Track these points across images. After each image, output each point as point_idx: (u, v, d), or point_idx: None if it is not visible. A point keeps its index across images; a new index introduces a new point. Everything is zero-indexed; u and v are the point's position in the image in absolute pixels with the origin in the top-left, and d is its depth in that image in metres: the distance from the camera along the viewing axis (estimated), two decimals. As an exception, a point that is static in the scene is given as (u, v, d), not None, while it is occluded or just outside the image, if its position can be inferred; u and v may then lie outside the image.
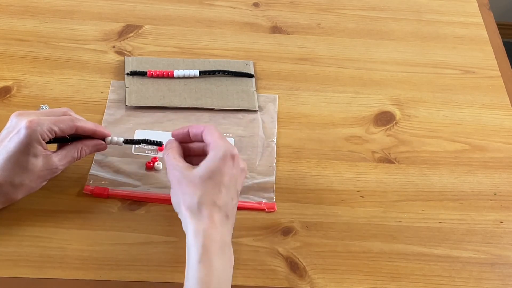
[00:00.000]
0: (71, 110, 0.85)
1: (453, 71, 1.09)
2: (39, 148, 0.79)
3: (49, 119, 0.80)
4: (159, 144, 0.89)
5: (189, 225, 0.75)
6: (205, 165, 0.78)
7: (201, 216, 0.76)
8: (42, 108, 0.84)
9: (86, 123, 0.84)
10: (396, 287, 0.82)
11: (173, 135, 0.84)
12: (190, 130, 0.83)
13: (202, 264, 0.72)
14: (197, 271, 0.72)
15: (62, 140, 0.84)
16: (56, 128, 0.80)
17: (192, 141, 0.84)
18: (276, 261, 0.82)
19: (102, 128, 0.86)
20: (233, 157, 0.79)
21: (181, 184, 0.78)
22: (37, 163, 0.79)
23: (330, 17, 1.17)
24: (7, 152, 0.78)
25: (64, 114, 0.83)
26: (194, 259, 0.73)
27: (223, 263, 0.74)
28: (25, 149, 0.78)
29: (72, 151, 0.83)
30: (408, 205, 0.90)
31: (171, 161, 0.80)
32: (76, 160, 0.84)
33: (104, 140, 0.86)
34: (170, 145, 0.83)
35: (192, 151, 0.84)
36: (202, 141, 0.82)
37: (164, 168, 0.89)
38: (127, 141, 0.88)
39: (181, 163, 0.80)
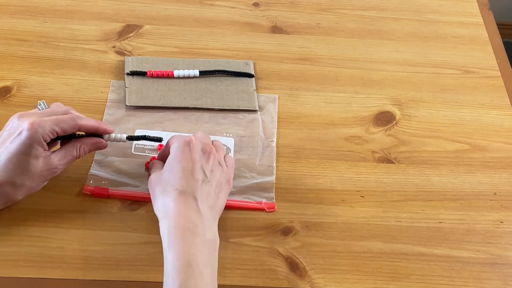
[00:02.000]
0: (73, 108, 0.85)
1: (453, 71, 1.09)
2: (40, 149, 0.79)
3: (51, 120, 0.80)
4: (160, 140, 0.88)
5: (160, 220, 0.78)
6: (166, 160, 0.82)
7: (165, 205, 0.78)
8: (40, 104, 0.84)
9: (88, 121, 0.84)
10: (396, 287, 0.82)
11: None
12: (158, 157, 0.87)
13: (170, 250, 0.74)
14: (168, 258, 0.73)
15: (63, 138, 0.84)
16: (57, 129, 0.80)
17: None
18: (276, 261, 0.82)
19: (105, 125, 0.86)
20: (188, 143, 0.81)
21: (151, 188, 0.82)
22: (38, 164, 0.79)
23: (330, 17, 1.17)
24: (9, 153, 0.78)
25: (65, 113, 0.83)
26: (164, 248, 0.75)
27: (195, 244, 0.74)
28: (27, 151, 0.78)
29: (71, 150, 0.83)
30: (408, 205, 0.90)
31: (150, 178, 0.84)
32: (76, 158, 0.84)
33: (102, 137, 0.86)
34: (155, 163, 0.85)
35: None
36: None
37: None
38: (131, 138, 0.87)
39: (156, 171, 0.83)
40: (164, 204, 0.78)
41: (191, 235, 0.75)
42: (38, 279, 0.78)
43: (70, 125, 0.82)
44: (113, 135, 0.86)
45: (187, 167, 0.80)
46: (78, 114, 0.85)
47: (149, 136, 0.88)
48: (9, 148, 0.78)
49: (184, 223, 0.75)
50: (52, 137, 0.80)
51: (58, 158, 0.82)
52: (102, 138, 0.86)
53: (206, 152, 0.82)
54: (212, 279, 0.74)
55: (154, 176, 0.82)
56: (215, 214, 0.80)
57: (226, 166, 0.85)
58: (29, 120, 0.79)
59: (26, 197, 0.83)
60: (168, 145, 0.84)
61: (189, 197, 0.78)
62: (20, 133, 0.78)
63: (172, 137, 0.85)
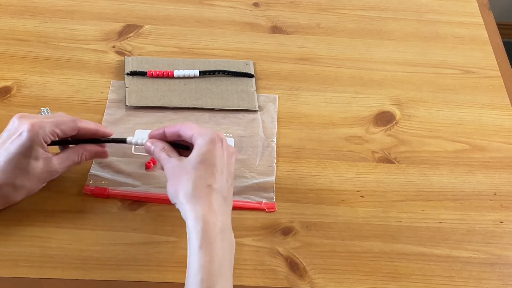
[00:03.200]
0: (79, 119, 0.84)
1: (453, 71, 1.09)
2: (41, 151, 0.79)
3: (51, 121, 0.80)
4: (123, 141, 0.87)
5: (188, 212, 0.75)
6: (195, 151, 0.79)
7: (198, 200, 0.75)
8: (43, 111, 0.84)
9: (88, 124, 0.84)
10: (396, 287, 0.82)
11: (150, 136, 0.84)
12: (165, 130, 0.83)
13: (202, 250, 0.72)
14: (198, 257, 0.72)
15: (63, 142, 0.84)
16: (58, 130, 0.80)
17: (168, 141, 0.84)
18: (276, 261, 0.82)
19: (104, 128, 0.86)
20: (221, 140, 0.80)
21: (175, 174, 0.79)
22: (38, 165, 0.79)
23: (330, 17, 1.17)
24: (9, 154, 0.78)
25: (65, 118, 0.83)
26: (195, 245, 0.73)
27: (224, 247, 0.74)
28: (27, 152, 0.78)
29: (72, 155, 0.83)
30: (408, 205, 0.90)
31: (165, 158, 0.81)
32: (76, 164, 0.84)
33: (125, 141, 0.85)
34: (161, 145, 0.83)
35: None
36: (178, 139, 0.83)
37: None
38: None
39: (174, 156, 0.81)
40: (195, 195, 0.76)
41: (223, 238, 0.74)
42: (37, 279, 0.78)
43: (70, 127, 0.82)
44: (133, 139, 0.85)
45: (221, 167, 0.78)
46: (77, 118, 0.84)
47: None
48: (9, 149, 0.78)
49: (218, 223, 0.74)
50: (53, 138, 0.80)
51: (58, 161, 0.82)
52: (125, 142, 0.85)
53: (234, 154, 0.82)
54: (231, 283, 0.74)
55: (175, 161, 0.80)
56: (231, 214, 0.80)
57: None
58: (29, 121, 0.79)
59: (26, 197, 0.83)
60: (175, 133, 0.82)
61: (220, 196, 0.77)
62: (21, 134, 0.78)
63: (187, 125, 0.82)
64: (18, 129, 0.79)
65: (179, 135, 0.82)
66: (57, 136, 0.81)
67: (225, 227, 0.75)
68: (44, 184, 0.83)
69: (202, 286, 0.70)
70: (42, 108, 0.85)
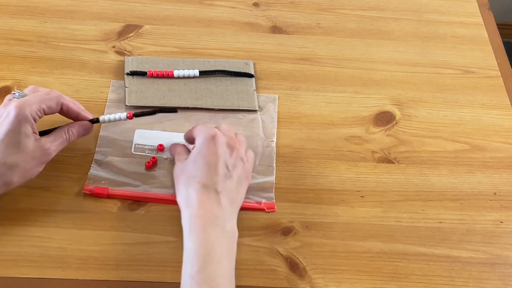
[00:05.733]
0: (53, 90, 0.86)
1: (453, 71, 1.09)
2: (30, 128, 0.80)
3: (37, 99, 0.82)
4: (174, 110, 0.89)
5: (181, 209, 0.80)
6: (191, 152, 0.84)
7: (188, 196, 0.80)
8: (15, 94, 0.85)
9: (70, 103, 0.86)
10: (396, 287, 0.82)
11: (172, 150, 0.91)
12: (184, 137, 0.89)
13: (190, 239, 0.76)
14: (186, 245, 0.76)
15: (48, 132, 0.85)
16: (44, 106, 0.82)
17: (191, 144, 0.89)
18: (276, 261, 0.82)
19: (84, 113, 0.87)
20: (212, 137, 0.83)
21: (176, 177, 0.84)
22: (29, 143, 0.80)
23: (330, 17, 1.17)
24: None
25: (48, 94, 0.85)
26: (185, 237, 0.77)
27: (215, 237, 0.76)
28: (16, 129, 0.79)
29: (60, 132, 0.85)
30: (408, 205, 0.90)
31: (176, 160, 0.87)
32: (67, 141, 0.85)
33: (98, 120, 0.88)
34: (180, 149, 0.88)
35: None
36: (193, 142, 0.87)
37: (163, 168, 0.90)
38: (137, 114, 0.89)
39: (182, 160, 0.86)
40: (187, 195, 0.80)
41: (212, 226, 0.77)
42: (37, 279, 0.78)
43: (54, 102, 0.84)
44: (104, 117, 0.88)
45: (211, 161, 0.82)
46: (64, 96, 0.87)
47: (164, 108, 0.88)
48: None
49: (205, 214, 0.78)
50: (40, 115, 0.82)
51: (49, 140, 0.83)
52: (98, 121, 0.88)
53: (229, 147, 0.84)
54: (230, 269, 0.76)
55: (179, 165, 0.85)
56: (234, 208, 0.82)
57: (247, 161, 0.87)
58: (15, 102, 0.81)
59: (26, 197, 0.83)
60: (192, 133, 0.87)
61: (211, 190, 0.80)
62: (8, 114, 0.80)
63: (197, 127, 0.87)
64: (5, 111, 0.81)
65: (193, 140, 0.87)
66: (44, 112, 0.82)
67: (216, 217, 0.78)
68: (40, 168, 0.83)
69: (192, 269, 0.74)
70: (13, 92, 0.86)
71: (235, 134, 0.88)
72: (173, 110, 0.88)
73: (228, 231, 0.78)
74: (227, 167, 0.82)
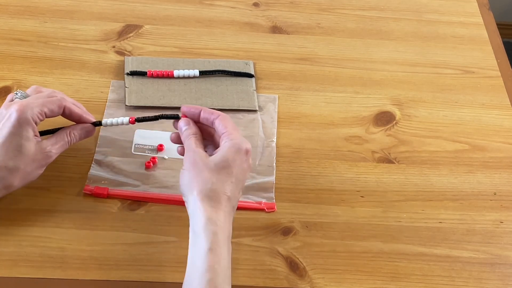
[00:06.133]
0: (55, 90, 0.86)
1: (453, 71, 1.09)
2: (31, 132, 0.80)
3: (38, 102, 0.82)
4: (176, 117, 0.85)
5: (200, 211, 0.75)
6: (221, 154, 0.79)
7: (214, 203, 0.76)
8: (17, 94, 0.85)
9: (72, 105, 0.85)
10: (396, 287, 0.82)
11: (183, 111, 0.84)
12: (202, 113, 0.83)
13: (212, 252, 0.72)
14: (207, 258, 0.72)
15: (50, 132, 0.85)
16: (46, 109, 0.82)
17: (199, 122, 0.84)
18: (276, 261, 0.82)
19: (86, 116, 0.87)
20: (246, 152, 0.80)
21: (196, 168, 0.78)
22: (30, 146, 0.80)
23: (330, 17, 1.17)
24: (0, 137, 0.78)
25: (50, 96, 0.84)
26: (204, 247, 0.73)
27: (228, 253, 0.75)
28: (17, 132, 0.79)
29: (61, 135, 0.85)
30: (408, 205, 0.90)
31: (192, 146, 0.80)
32: (68, 144, 0.85)
33: (100, 123, 0.87)
34: (192, 130, 0.82)
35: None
36: (210, 126, 0.83)
37: (163, 168, 0.90)
38: (139, 120, 0.88)
39: (201, 149, 0.80)
40: (212, 197, 0.76)
41: (228, 244, 0.75)
42: (37, 279, 0.78)
43: (57, 105, 0.83)
44: (106, 120, 0.88)
45: (238, 178, 0.79)
46: (65, 96, 0.86)
47: (166, 115, 0.86)
48: (0, 134, 0.79)
49: (227, 230, 0.76)
50: (42, 118, 0.81)
51: (50, 143, 0.83)
52: (101, 124, 0.87)
53: (250, 168, 0.82)
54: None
55: (201, 155, 0.79)
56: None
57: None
58: (17, 103, 0.80)
59: (26, 197, 0.83)
60: (210, 120, 0.82)
61: (231, 206, 0.78)
62: (9, 116, 0.79)
63: (224, 119, 0.82)
64: (7, 113, 0.80)
65: (212, 123, 0.82)
66: (46, 115, 0.82)
67: (230, 234, 0.76)
68: (41, 170, 0.83)
69: (210, 285, 0.70)
70: (15, 92, 0.85)
71: None
72: (176, 116, 0.85)
73: (231, 250, 0.77)
74: (242, 186, 0.81)
